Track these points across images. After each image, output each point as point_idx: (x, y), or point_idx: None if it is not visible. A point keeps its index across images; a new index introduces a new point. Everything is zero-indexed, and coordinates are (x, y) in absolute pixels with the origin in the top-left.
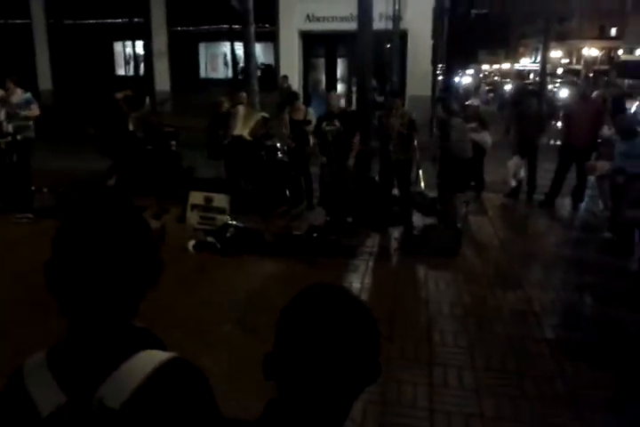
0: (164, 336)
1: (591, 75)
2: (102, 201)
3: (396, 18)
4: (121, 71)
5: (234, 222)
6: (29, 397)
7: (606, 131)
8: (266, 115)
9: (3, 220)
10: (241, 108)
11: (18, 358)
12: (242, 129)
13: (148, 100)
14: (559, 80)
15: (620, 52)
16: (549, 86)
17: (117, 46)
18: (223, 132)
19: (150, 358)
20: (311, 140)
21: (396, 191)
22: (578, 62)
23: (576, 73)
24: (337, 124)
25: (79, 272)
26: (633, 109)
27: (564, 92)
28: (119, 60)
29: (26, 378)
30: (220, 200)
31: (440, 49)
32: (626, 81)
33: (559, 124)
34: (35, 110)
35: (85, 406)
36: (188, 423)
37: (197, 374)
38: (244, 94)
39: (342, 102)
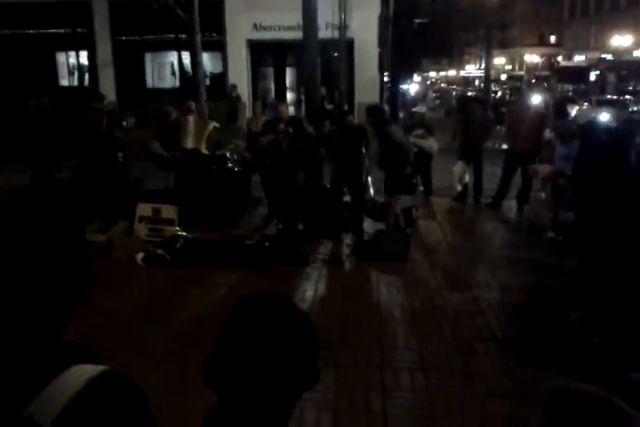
0: (107, 352)
1: (533, 80)
2: (26, 213)
3: (342, 27)
4: (65, 82)
5: (183, 233)
6: None
7: (547, 134)
8: (216, 124)
9: None
10: (191, 119)
11: None
12: (196, 142)
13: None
14: (504, 86)
15: (560, 58)
16: (499, 92)
17: (60, 57)
18: (173, 144)
19: (82, 373)
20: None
21: (347, 198)
22: (520, 68)
23: (519, 79)
24: (289, 130)
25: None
26: (573, 114)
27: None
28: (62, 71)
29: None
30: (169, 211)
31: (386, 57)
32: (565, 86)
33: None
34: None
35: (15, 423)
36: None
37: (131, 387)
38: (193, 103)
39: (291, 110)
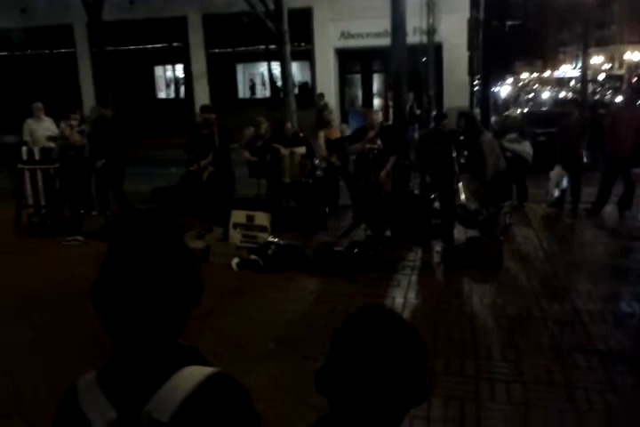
0: (209, 353)
1: (634, 80)
2: (148, 224)
3: (431, 31)
4: (162, 94)
5: (275, 240)
6: (83, 414)
7: None
8: (302, 150)
9: (53, 242)
10: (286, 153)
11: (68, 378)
12: (291, 175)
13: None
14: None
15: None
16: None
17: (158, 70)
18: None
19: (194, 374)
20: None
21: (436, 204)
22: (620, 67)
23: (618, 78)
24: (378, 142)
25: (125, 294)
26: None
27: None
28: (160, 84)
29: (79, 396)
30: (262, 218)
31: (476, 61)
32: None
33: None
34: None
35: (135, 420)
36: None
37: (239, 388)
38: (289, 125)
39: (380, 117)
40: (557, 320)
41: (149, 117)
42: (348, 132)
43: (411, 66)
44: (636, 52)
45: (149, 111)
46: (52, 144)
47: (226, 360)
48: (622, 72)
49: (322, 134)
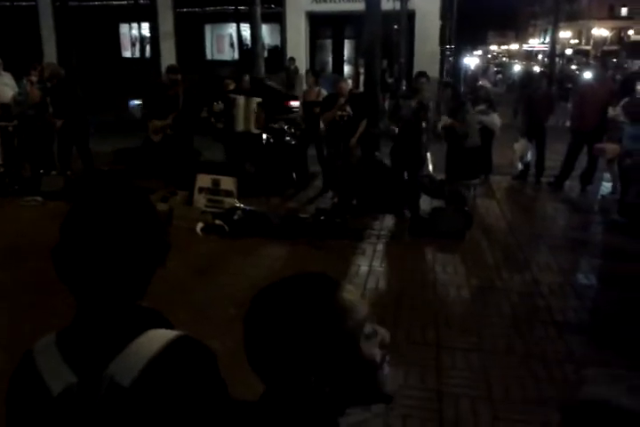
0: (172, 317)
1: (598, 55)
2: (110, 184)
3: None
4: (127, 53)
5: (241, 205)
6: (40, 377)
7: (611, 112)
8: (259, 99)
9: (11, 202)
10: (240, 100)
11: (26, 341)
12: (245, 123)
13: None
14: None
15: (631, 32)
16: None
17: (123, 28)
18: (222, 123)
19: (158, 337)
20: (321, 123)
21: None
22: (587, 43)
23: (585, 53)
24: (348, 109)
25: (87, 255)
26: None
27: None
28: (125, 42)
29: (36, 359)
30: (228, 183)
31: (448, 30)
32: (635, 61)
33: (569, 105)
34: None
35: (95, 384)
36: (196, 400)
37: (205, 352)
38: (247, 78)
39: (350, 84)
40: (518, 291)
41: (113, 76)
42: (324, 95)
43: (383, 33)
44: (603, 28)
45: (113, 70)
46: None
47: (188, 324)
48: (589, 47)
49: (299, 96)
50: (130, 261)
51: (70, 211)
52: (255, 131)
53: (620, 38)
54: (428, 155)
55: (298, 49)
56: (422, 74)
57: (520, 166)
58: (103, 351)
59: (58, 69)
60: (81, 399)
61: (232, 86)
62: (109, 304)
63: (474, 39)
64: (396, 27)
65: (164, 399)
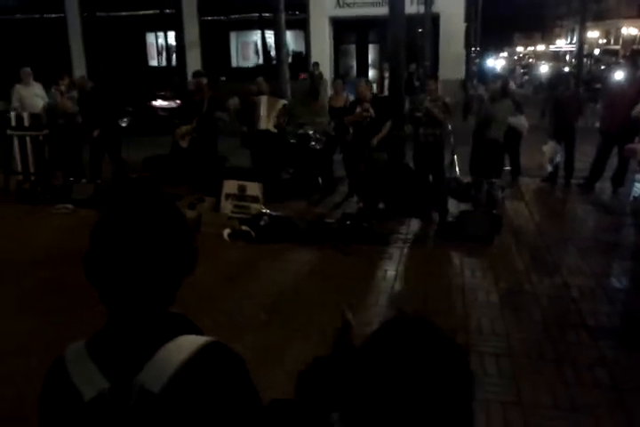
0: (200, 323)
1: (627, 54)
2: (140, 192)
3: (428, 1)
4: (154, 62)
5: (267, 211)
6: (72, 382)
7: (638, 109)
8: (286, 102)
9: (42, 210)
10: (263, 99)
11: (58, 346)
12: (266, 122)
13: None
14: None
15: None
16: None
17: (150, 37)
18: (249, 123)
19: (188, 343)
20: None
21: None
22: (616, 42)
23: (614, 53)
24: (371, 111)
25: (118, 262)
26: None
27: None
28: (151, 51)
29: (68, 365)
30: (254, 188)
31: (473, 32)
32: None
33: (598, 106)
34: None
35: (126, 390)
36: (227, 406)
37: (235, 358)
38: (261, 79)
39: (374, 88)
40: (548, 295)
41: (141, 85)
42: (351, 100)
43: (408, 36)
44: (632, 27)
45: (141, 79)
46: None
47: (216, 330)
48: (618, 47)
49: (326, 102)
50: (159, 268)
51: (100, 219)
52: (273, 130)
53: None
54: (455, 157)
55: (322, 54)
56: (432, 76)
57: (549, 168)
58: (134, 357)
59: (85, 82)
60: (113, 405)
61: (254, 89)
62: (139, 311)
63: (500, 41)
64: (420, 30)
65: (195, 406)
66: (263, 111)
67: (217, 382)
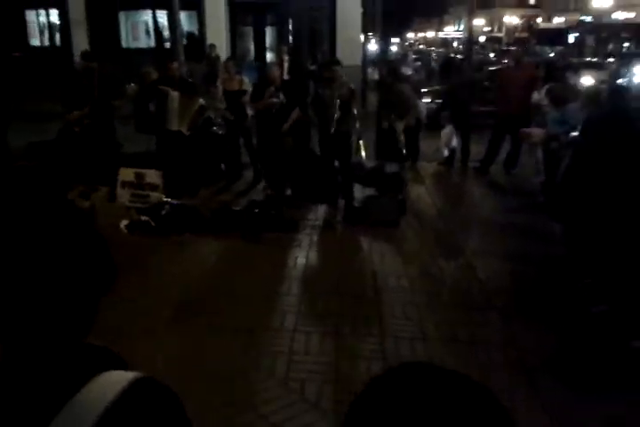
0: (101, 322)
1: (511, 42)
2: (21, 184)
3: None
4: (36, 42)
5: (169, 199)
6: None
7: (536, 96)
8: (203, 102)
9: None
10: (176, 95)
11: None
12: (179, 124)
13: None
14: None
15: (539, 20)
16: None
17: (30, 15)
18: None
19: (112, 382)
20: (248, 112)
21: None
22: (499, 30)
23: (498, 40)
24: (281, 96)
25: (9, 285)
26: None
27: None
28: (33, 30)
29: None
30: (153, 176)
31: (371, 17)
32: (544, 48)
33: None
34: None
35: None
36: None
37: (169, 395)
38: (176, 65)
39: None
40: (455, 277)
41: (21, 66)
42: (247, 83)
43: (307, 20)
44: (514, 16)
45: (21, 59)
46: None
47: (121, 330)
48: (502, 35)
49: (219, 86)
50: (56, 285)
51: None
52: (187, 133)
53: (529, 26)
54: (361, 142)
55: (218, 36)
56: (335, 62)
57: (446, 153)
58: (44, 403)
59: None
60: None
61: (155, 76)
62: (46, 344)
63: (399, 26)
64: (317, 14)
65: None
66: (174, 111)
67: (150, 425)
